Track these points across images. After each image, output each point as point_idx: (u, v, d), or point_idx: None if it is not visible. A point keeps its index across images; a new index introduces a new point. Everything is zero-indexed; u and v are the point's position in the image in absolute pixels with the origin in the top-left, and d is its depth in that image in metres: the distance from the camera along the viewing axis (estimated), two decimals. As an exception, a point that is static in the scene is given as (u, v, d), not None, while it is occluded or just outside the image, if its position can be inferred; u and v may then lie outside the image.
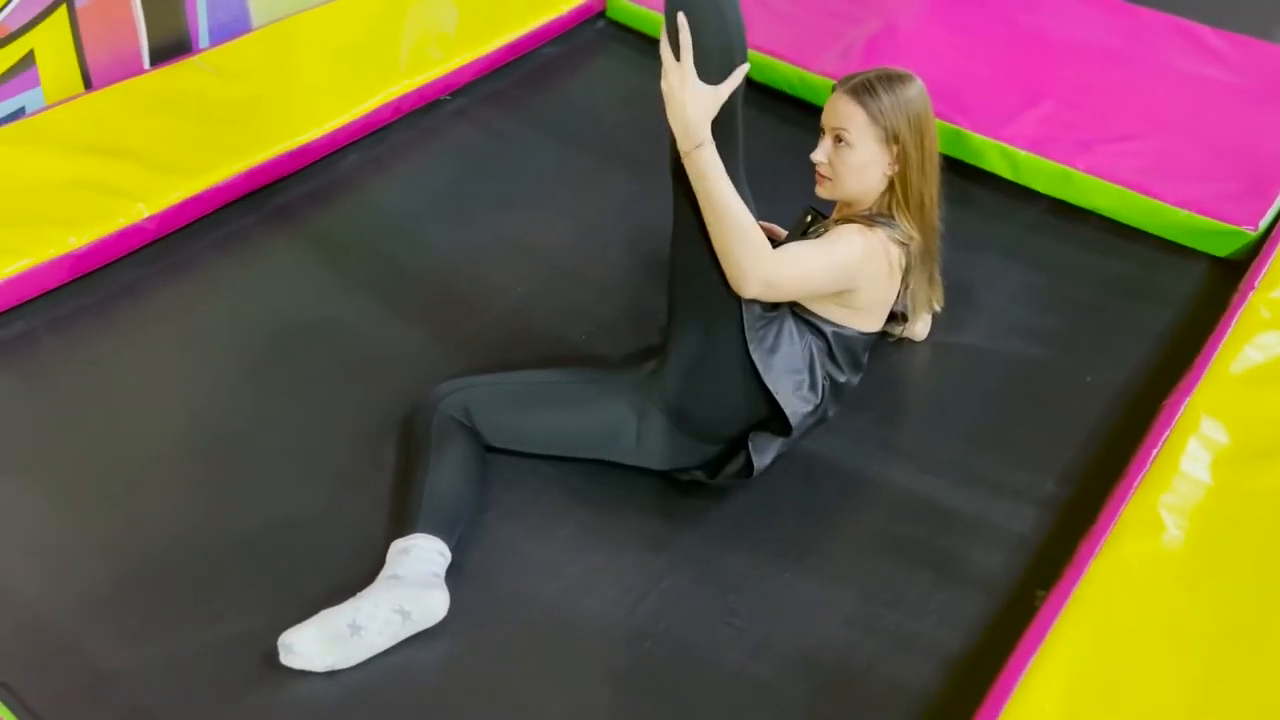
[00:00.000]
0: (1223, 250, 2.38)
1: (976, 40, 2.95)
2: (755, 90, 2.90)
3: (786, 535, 1.82)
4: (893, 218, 1.83)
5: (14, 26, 2.46)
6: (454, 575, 1.67)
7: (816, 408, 1.82)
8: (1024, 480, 1.91)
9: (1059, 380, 2.12)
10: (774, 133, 2.77)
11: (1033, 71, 2.82)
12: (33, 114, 2.51)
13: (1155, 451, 1.77)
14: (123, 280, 2.26)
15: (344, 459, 1.90)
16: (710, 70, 1.59)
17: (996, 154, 2.58)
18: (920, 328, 2.16)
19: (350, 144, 2.66)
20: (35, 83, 2.54)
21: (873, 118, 1.77)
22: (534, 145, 2.74)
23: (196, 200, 2.36)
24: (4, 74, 2.49)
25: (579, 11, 3.12)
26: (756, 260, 1.65)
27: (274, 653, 1.55)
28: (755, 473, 1.77)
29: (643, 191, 2.49)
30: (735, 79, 1.61)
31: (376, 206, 2.54)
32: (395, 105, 2.72)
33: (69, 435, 1.94)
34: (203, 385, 2.04)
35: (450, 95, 2.86)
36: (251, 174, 2.45)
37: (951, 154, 2.60)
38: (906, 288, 1.90)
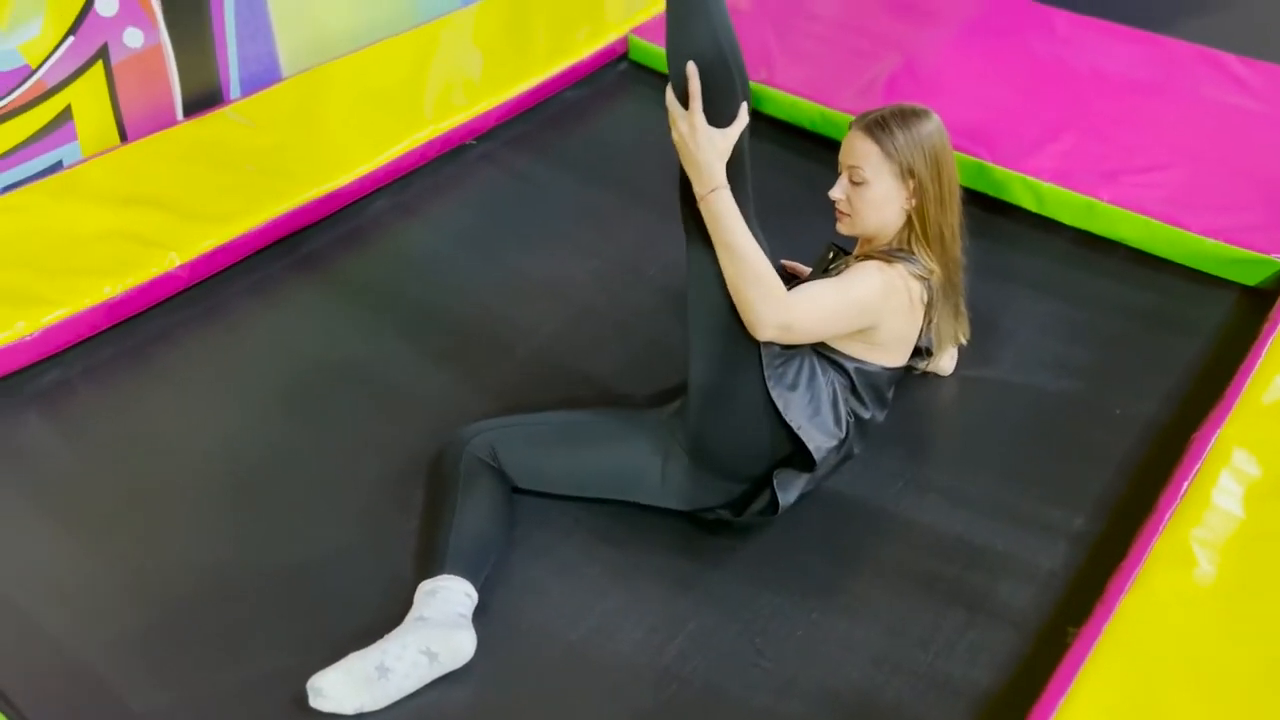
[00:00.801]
0: (1252, 279, 2.36)
1: (999, 73, 2.95)
2: (778, 128, 2.93)
3: (814, 573, 1.81)
4: (913, 252, 1.83)
5: (52, 83, 2.53)
6: (481, 616, 1.68)
7: (841, 444, 1.82)
8: (1054, 515, 1.89)
9: (1088, 413, 2.10)
10: (797, 169, 2.79)
11: (1056, 103, 2.82)
12: (69, 167, 2.57)
13: (1186, 485, 1.74)
14: (156, 327, 2.30)
15: (371, 500, 1.92)
16: (718, 114, 1.61)
17: (1020, 186, 2.57)
18: (946, 362, 2.15)
19: (378, 189, 2.71)
20: (72, 136, 2.61)
21: (887, 154, 1.78)
22: (557, 186, 2.77)
23: (227, 248, 2.41)
24: (42, 129, 2.56)
25: (601, 54, 3.17)
26: (771, 304, 1.65)
27: (303, 694, 1.56)
28: (780, 510, 1.76)
29: (666, 229, 2.49)
30: (742, 120, 1.63)
31: (403, 250, 2.58)
32: (421, 151, 2.76)
33: (104, 479, 1.97)
34: (233, 428, 2.07)
35: (475, 139, 2.91)
36: (281, 221, 2.50)
37: (975, 187, 2.62)
38: (930, 322, 1.89)
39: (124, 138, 2.72)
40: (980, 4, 3.29)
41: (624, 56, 3.24)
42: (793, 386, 1.76)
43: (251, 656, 1.66)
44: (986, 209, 2.59)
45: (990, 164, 2.60)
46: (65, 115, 2.58)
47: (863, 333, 1.80)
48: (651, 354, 2.22)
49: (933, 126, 1.82)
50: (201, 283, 2.40)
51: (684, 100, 1.61)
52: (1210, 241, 2.37)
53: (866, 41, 3.11)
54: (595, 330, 2.30)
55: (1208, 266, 2.39)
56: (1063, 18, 3.21)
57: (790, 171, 2.79)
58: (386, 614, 1.67)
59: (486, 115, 2.91)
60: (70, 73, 2.56)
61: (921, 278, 1.82)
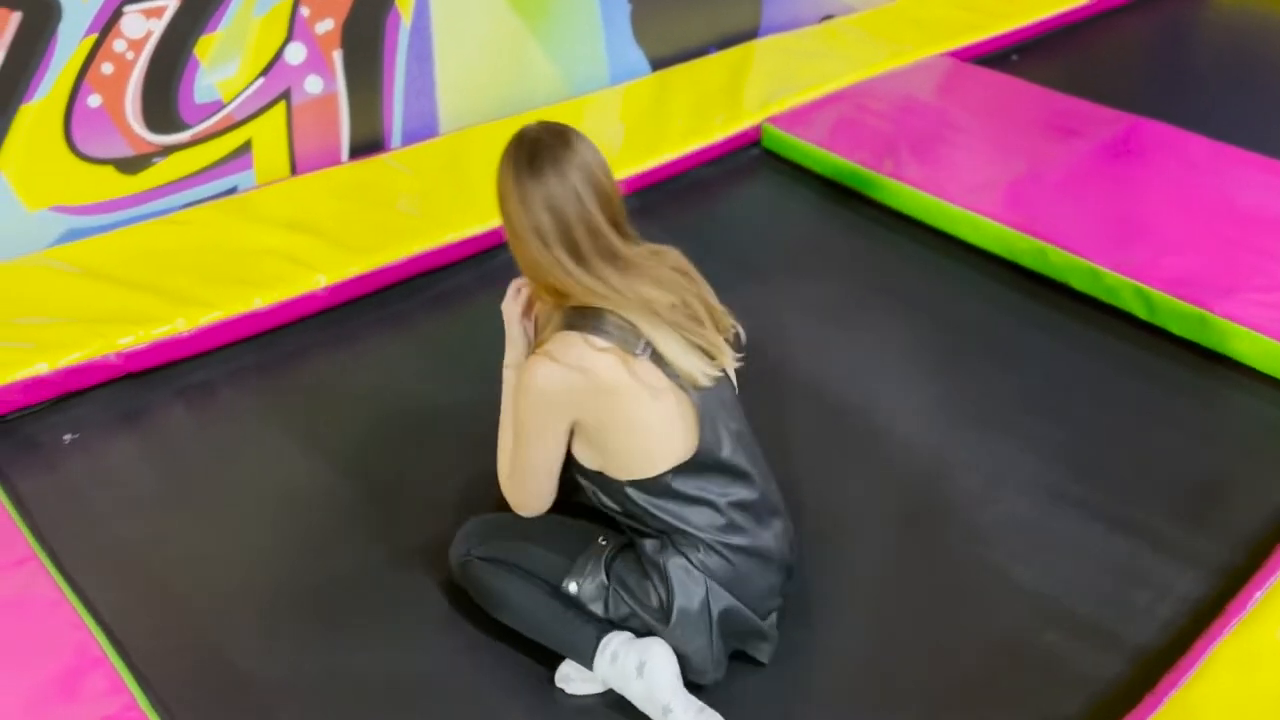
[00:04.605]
0: (1368, 406, 2.30)
1: (1124, 188, 2.97)
2: (903, 221, 3.02)
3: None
4: (587, 306, 1.59)
5: (239, 117, 2.84)
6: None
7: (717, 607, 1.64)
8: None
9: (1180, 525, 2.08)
10: (916, 257, 2.87)
11: (1181, 221, 2.81)
12: (243, 192, 2.86)
13: (1259, 594, 1.71)
14: (295, 343, 2.52)
15: (429, 520, 2.03)
16: None
17: (1131, 293, 2.58)
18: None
19: (511, 240, 2.90)
20: (249, 166, 2.91)
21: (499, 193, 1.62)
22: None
23: (369, 276, 2.62)
24: (225, 157, 2.86)
25: (736, 138, 3.32)
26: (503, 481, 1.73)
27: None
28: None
29: (767, 303, 2.65)
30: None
31: (527, 297, 2.75)
32: (556, 209, 2.95)
33: (230, 469, 2.17)
34: (337, 441, 2.24)
35: (607, 205, 3.08)
36: (421, 258, 2.70)
37: (1089, 292, 2.65)
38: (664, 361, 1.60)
39: (293, 171, 3.00)
40: (1120, 126, 3.32)
41: (757, 143, 3.40)
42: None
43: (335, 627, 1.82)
44: (1100, 311, 2.62)
45: (1103, 269, 2.62)
46: (245, 147, 2.88)
47: (600, 451, 1.64)
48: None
49: (507, 153, 1.61)
50: (340, 306, 2.62)
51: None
52: (1325, 363, 2.32)
53: (996, 150, 3.18)
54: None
55: (1321, 387, 2.34)
56: (1200, 143, 3.22)
57: (910, 260, 2.87)
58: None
59: (620, 183, 3.07)
60: (255, 110, 2.86)
61: (609, 345, 1.56)
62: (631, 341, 1.57)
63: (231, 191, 2.88)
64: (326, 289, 2.56)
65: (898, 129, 3.30)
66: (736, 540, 1.64)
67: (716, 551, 1.63)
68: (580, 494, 1.75)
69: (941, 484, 2.14)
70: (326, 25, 2.86)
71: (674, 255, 1.69)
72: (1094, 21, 4.42)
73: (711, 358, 1.63)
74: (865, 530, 2.04)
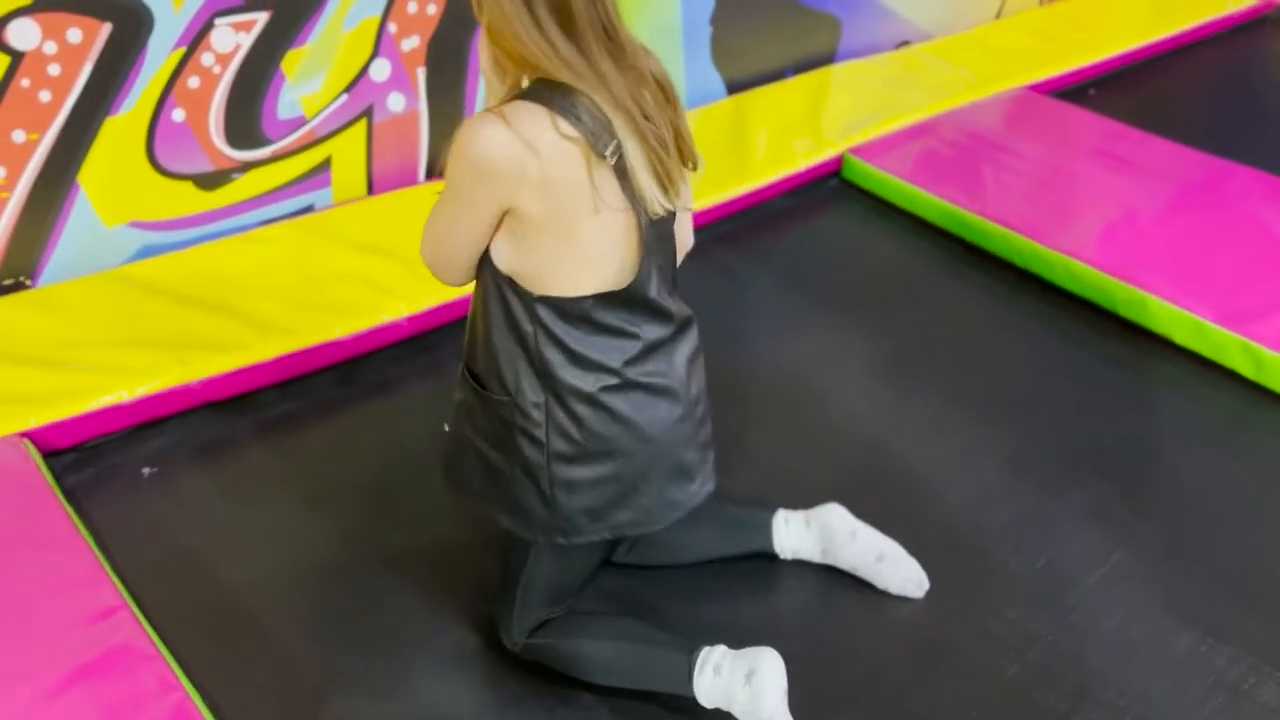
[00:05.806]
0: None
1: (1226, 237, 2.88)
2: (989, 261, 2.93)
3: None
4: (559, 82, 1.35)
5: (320, 134, 2.75)
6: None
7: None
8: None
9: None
10: (998, 306, 2.78)
11: (1281, 274, 2.74)
12: (320, 210, 2.77)
13: None
14: (377, 374, 2.43)
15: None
16: None
17: (1239, 351, 2.50)
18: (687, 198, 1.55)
19: (591, 269, 2.82)
20: (327, 184, 2.82)
21: None
22: (753, 283, 2.83)
23: (450, 305, 2.53)
24: (305, 174, 2.77)
25: (817, 169, 3.24)
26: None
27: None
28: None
29: (842, 338, 2.62)
30: None
31: (608, 330, 2.66)
32: (636, 238, 2.87)
33: (314, 508, 2.09)
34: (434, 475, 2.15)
35: (686, 233, 3.00)
36: (501, 286, 2.62)
37: (1191, 347, 2.56)
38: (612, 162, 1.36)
39: (370, 190, 2.91)
40: (1208, 170, 3.23)
41: (838, 173, 3.31)
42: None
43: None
44: (1203, 365, 2.54)
45: (1210, 324, 2.54)
46: (325, 165, 2.79)
47: (521, 249, 1.41)
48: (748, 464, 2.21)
49: None
50: (421, 336, 2.53)
51: None
52: None
53: (1085, 190, 3.10)
54: (732, 413, 2.25)
55: None
56: (1290, 188, 3.14)
57: (987, 308, 2.78)
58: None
59: (700, 213, 3.00)
60: (337, 127, 2.77)
61: (583, 121, 1.33)
62: (604, 140, 1.34)
63: (308, 210, 2.80)
64: (408, 318, 2.47)
65: (982, 164, 3.21)
66: (634, 373, 1.48)
67: (613, 389, 1.47)
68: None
69: (1013, 533, 2.07)
70: (413, 42, 2.77)
71: (660, 63, 1.46)
72: (1170, 56, 4.34)
73: (666, 191, 1.42)
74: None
